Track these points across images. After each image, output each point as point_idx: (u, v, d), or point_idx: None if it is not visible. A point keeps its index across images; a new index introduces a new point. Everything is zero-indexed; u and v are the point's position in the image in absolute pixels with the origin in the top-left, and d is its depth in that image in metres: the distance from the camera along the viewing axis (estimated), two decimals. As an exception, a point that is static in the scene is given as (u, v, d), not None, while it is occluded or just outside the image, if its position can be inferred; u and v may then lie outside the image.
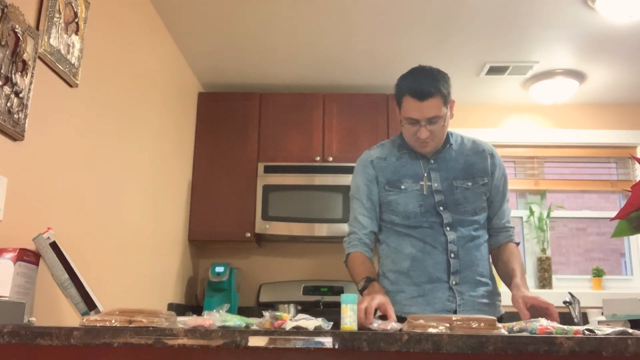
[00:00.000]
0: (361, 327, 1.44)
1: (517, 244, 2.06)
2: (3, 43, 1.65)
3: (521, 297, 1.74)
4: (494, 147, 2.10)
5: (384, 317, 1.65)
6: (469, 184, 1.97)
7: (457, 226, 1.93)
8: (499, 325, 1.18)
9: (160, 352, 1.10)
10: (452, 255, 1.90)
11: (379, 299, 1.68)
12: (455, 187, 1.96)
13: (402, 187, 1.96)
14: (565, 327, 1.17)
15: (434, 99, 1.86)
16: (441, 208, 1.93)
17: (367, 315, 1.61)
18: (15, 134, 1.72)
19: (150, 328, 1.08)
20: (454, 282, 1.89)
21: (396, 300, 1.89)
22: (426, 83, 1.87)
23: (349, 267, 1.98)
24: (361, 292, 1.84)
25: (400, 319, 1.83)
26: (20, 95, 1.72)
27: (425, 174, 1.97)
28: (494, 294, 1.98)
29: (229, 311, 1.28)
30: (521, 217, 4.10)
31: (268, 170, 3.69)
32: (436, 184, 1.95)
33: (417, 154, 2.00)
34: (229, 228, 3.65)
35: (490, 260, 2.05)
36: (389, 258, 1.98)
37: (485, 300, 1.92)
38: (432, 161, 1.99)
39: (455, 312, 1.86)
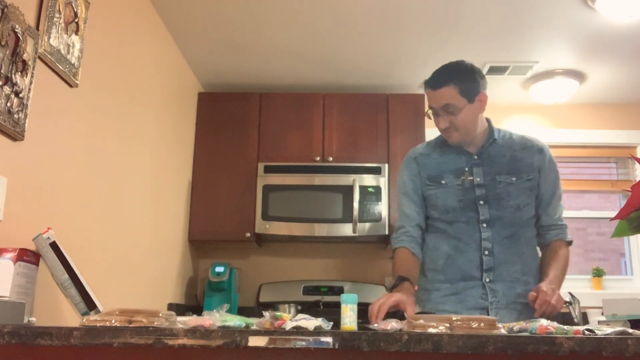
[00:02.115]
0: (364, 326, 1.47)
1: (569, 242, 1.99)
2: (3, 43, 1.65)
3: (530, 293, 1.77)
4: (545, 144, 2.06)
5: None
6: (513, 179, 1.94)
7: (495, 222, 1.91)
8: (499, 325, 1.18)
9: (160, 352, 1.10)
10: (486, 252, 1.89)
11: (397, 296, 1.69)
12: (498, 182, 1.94)
13: (443, 182, 1.98)
14: (565, 327, 1.17)
15: (446, 88, 1.91)
16: (481, 202, 1.92)
17: (379, 312, 1.63)
18: (15, 134, 1.72)
19: (150, 328, 1.08)
20: (487, 280, 1.88)
21: (431, 298, 1.94)
22: (440, 73, 1.95)
23: (392, 264, 1.99)
24: (391, 290, 1.84)
25: None
26: (20, 95, 1.72)
27: (467, 169, 1.97)
28: None
29: (229, 311, 1.27)
30: (521, 217, 4.09)
31: (268, 170, 3.69)
32: (478, 179, 1.95)
33: (461, 150, 2.00)
34: (229, 228, 3.64)
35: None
36: (427, 256, 2.01)
37: (522, 300, 1.86)
38: (475, 156, 1.99)
39: (487, 310, 1.85)
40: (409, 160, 2.10)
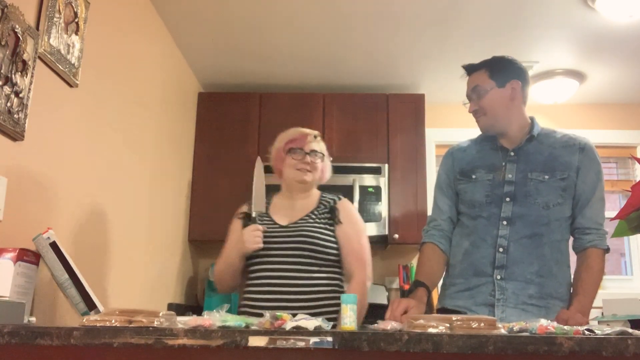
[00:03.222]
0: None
1: (606, 250, 1.86)
2: (3, 43, 1.65)
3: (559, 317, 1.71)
4: (590, 143, 1.97)
5: None
6: (546, 177, 1.89)
7: (516, 221, 1.87)
8: (499, 325, 1.18)
9: (160, 352, 1.10)
10: (501, 249, 1.87)
11: (404, 303, 1.73)
12: (529, 179, 1.89)
13: (473, 176, 1.97)
14: (565, 327, 1.17)
15: (478, 72, 1.98)
16: (507, 199, 1.89)
17: (394, 313, 1.69)
18: (15, 134, 1.71)
19: (150, 328, 1.08)
20: (498, 277, 1.86)
21: (447, 294, 1.96)
22: (478, 62, 2.01)
23: (417, 260, 2.02)
24: (407, 296, 1.87)
25: (447, 311, 1.88)
26: (20, 95, 1.72)
27: (503, 164, 1.95)
28: (550, 297, 1.86)
29: (229, 311, 1.27)
30: (521, 217, 4.09)
31: (268, 170, 3.68)
32: (510, 175, 1.92)
33: (498, 145, 1.99)
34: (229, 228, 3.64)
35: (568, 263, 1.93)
36: (451, 252, 2.01)
37: (533, 301, 1.83)
38: (511, 153, 1.96)
39: (494, 306, 1.84)
40: (446, 154, 2.10)
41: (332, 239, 2.10)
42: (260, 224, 2.09)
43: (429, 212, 2.52)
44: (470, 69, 2.01)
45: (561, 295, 1.87)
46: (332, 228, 2.12)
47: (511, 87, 1.96)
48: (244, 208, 2.25)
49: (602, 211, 1.90)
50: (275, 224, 2.14)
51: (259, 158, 2.17)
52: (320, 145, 2.24)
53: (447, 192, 2.04)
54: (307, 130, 2.26)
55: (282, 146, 2.23)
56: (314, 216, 2.15)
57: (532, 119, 2.04)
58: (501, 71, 1.95)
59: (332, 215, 2.15)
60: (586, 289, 1.82)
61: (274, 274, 2.03)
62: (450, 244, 2.01)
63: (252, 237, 2.01)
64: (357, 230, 2.16)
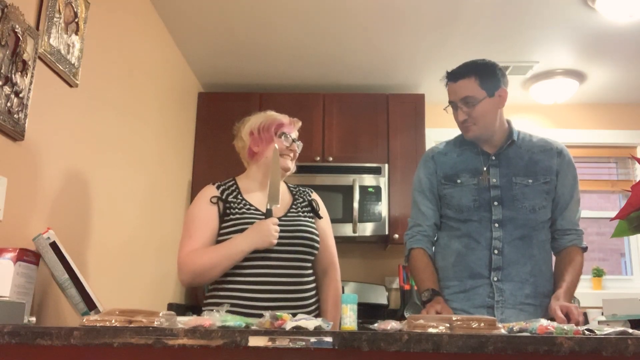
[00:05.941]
0: None
1: (584, 249, 1.97)
2: (3, 43, 1.64)
3: (558, 305, 1.75)
4: (565, 146, 2.04)
5: None
6: (530, 181, 1.94)
7: (507, 223, 1.91)
8: (499, 325, 1.18)
9: (160, 352, 1.10)
10: (496, 251, 1.89)
11: (436, 308, 1.76)
12: (514, 183, 1.93)
13: (458, 181, 1.97)
14: (565, 327, 1.17)
15: (466, 80, 1.92)
16: (495, 203, 1.92)
17: None
18: (15, 134, 1.71)
19: (150, 328, 1.08)
20: (495, 279, 1.88)
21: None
22: (461, 67, 1.96)
23: (411, 266, 2.00)
24: (424, 303, 1.87)
25: None
26: (20, 95, 1.72)
27: (485, 169, 1.96)
28: (544, 295, 1.91)
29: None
30: (521, 217, 4.09)
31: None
32: (494, 180, 1.95)
33: (479, 150, 2.00)
34: (229, 228, 3.64)
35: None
36: (439, 254, 2.01)
37: (529, 301, 1.88)
38: (493, 157, 1.98)
39: (493, 308, 1.86)
40: (426, 158, 2.09)
41: (317, 233, 2.00)
42: (246, 211, 1.95)
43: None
44: (457, 76, 1.95)
45: (551, 292, 1.91)
46: (314, 222, 2.02)
47: (499, 95, 1.96)
48: (212, 190, 2.06)
49: (579, 212, 2.00)
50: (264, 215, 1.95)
51: (276, 146, 1.98)
52: (297, 135, 2.13)
53: (429, 196, 2.03)
54: (290, 117, 2.13)
55: (272, 127, 2.05)
56: (299, 209, 2.02)
57: (509, 122, 2.05)
58: (491, 80, 1.94)
59: (312, 209, 2.04)
60: (573, 279, 1.88)
61: (273, 271, 1.87)
62: (434, 250, 2.02)
63: (273, 232, 1.83)
64: (330, 226, 2.10)
